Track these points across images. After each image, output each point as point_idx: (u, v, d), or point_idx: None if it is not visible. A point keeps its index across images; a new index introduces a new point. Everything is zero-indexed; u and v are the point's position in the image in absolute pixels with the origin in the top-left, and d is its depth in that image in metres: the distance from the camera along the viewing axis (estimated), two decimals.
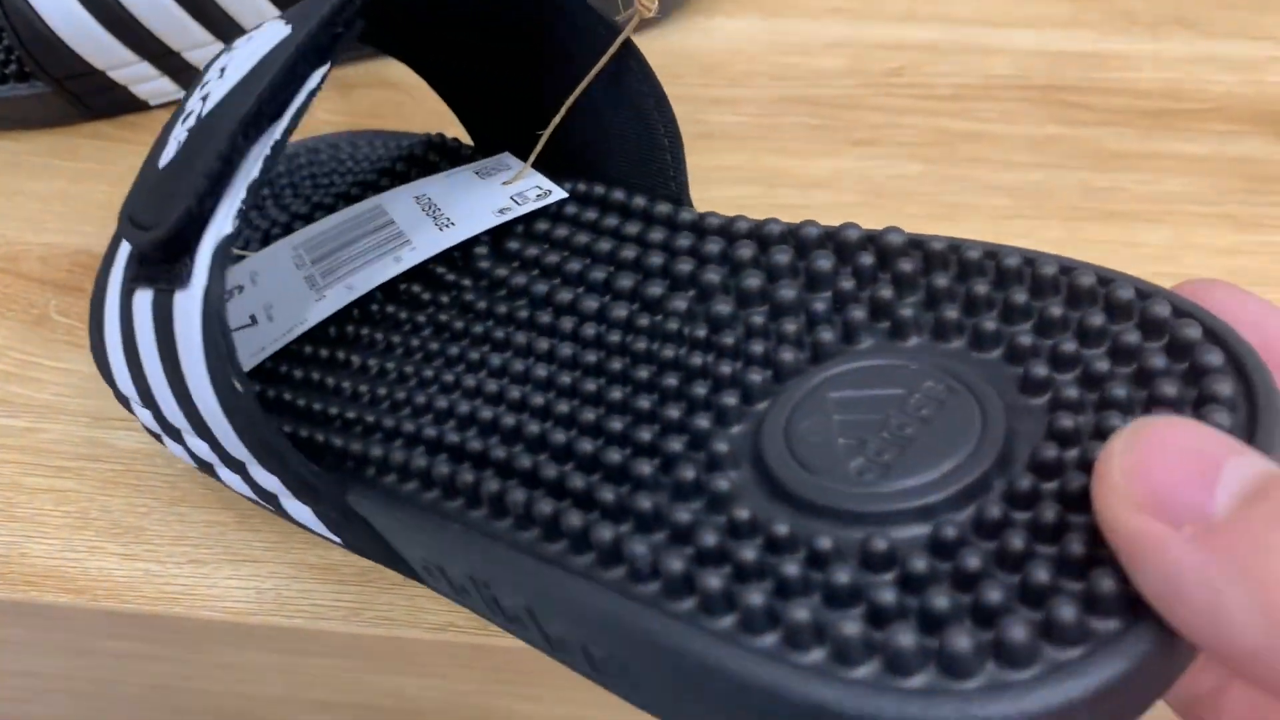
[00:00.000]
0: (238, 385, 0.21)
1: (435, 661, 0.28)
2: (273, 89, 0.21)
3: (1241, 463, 0.14)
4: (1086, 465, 0.17)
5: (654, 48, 0.25)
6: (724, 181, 0.36)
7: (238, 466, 0.24)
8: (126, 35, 0.36)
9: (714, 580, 0.17)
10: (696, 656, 0.16)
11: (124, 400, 0.26)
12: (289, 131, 0.21)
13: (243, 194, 0.20)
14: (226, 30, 0.37)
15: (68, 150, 0.39)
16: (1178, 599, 0.14)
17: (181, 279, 0.21)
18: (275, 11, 0.38)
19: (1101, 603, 0.15)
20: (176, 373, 0.22)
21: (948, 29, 0.42)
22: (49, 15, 0.35)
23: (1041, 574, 0.15)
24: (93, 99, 0.38)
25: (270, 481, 0.24)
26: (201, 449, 0.24)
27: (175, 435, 0.25)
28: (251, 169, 0.21)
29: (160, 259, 0.21)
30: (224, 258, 0.20)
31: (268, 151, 0.21)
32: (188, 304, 0.21)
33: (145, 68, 0.38)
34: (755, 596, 0.16)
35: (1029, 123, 0.38)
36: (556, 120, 0.27)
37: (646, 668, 0.18)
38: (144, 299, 0.22)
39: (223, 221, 0.21)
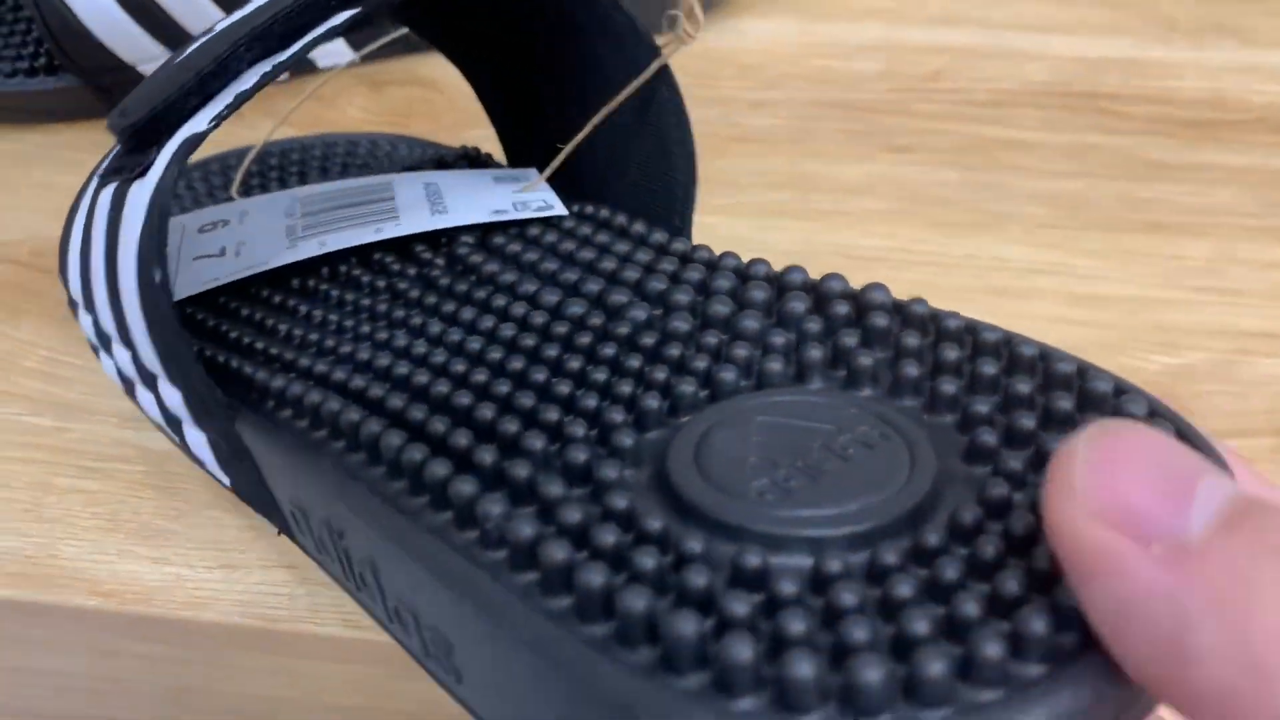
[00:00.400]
0: (156, 275, 0.21)
1: None
2: (290, 13, 0.21)
3: (1215, 483, 0.13)
4: (1008, 537, 0.15)
5: (689, 49, 0.25)
6: (757, 186, 0.36)
7: (150, 381, 0.24)
8: (157, 29, 0.36)
9: (559, 554, 0.16)
10: (525, 633, 0.16)
11: (73, 305, 0.26)
12: (296, 57, 0.21)
13: (228, 99, 0.21)
14: None
15: (97, 144, 0.38)
16: (1135, 624, 0.13)
17: (143, 168, 0.21)
18: None
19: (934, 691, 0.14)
20: (114, 267, 0.22)
21: (985, 33, 0.41)
22: (80, 8, 0.35)
23: (918, 625, 0.14)
24: (122, 92, 0.38)
25: (175, 400, 0.23)
26: (124, 360, 0.24)
27: (106, 345, 0.25)
28: (246, 80, 0.20)
29: (133, 148, 0.22)
30: (186, 152, 0.21)
31: (268, 69, 0.20)
32: (140, 193, 0.21)
33: None
34: (596, 579, 0.15)
35: (1069, 130, 0.37)
36: (580, 138, 0.27)
37: (472, 646, 0.17)
38: (108, 192, 0.23)
39: (199, 120, 0.21)
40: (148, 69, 0.37)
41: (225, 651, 0.29)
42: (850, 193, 0.36)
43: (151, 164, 0.21)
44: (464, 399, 0.20)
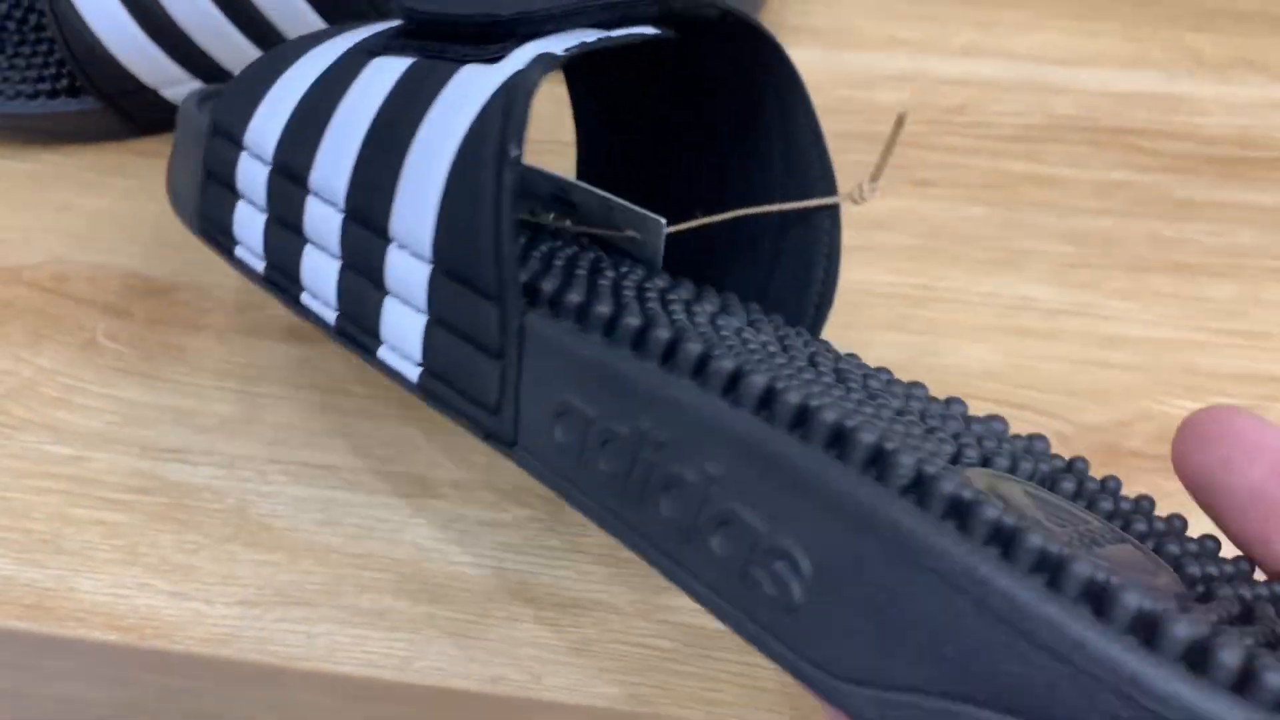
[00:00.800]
0: (514, 151, 0.21)
1: (485, 713, 0.28)
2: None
3: None
4: None
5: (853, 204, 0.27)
6: None
7: (373, 247, 0.23)
8: (179, 53, 0.36)
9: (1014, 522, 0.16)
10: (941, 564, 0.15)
11: (230, 156, 0.27)
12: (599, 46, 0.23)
13: (574, 42, 0.22)
14: None
15: (116, 166, 0.39)
16: None
17: (483, 56, 0.22)
18: None
19: None
20: (394, 136, 0.23)
21: (1010, 65, 0.41)
22: (102, 31, 0.35)
23: None
24: (142, 115, 0.38)
25: (408, 267, 0.23)
26: (321, 215, 0.24)
27: (287, 198, 0.25)
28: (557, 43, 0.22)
29: (467, 37, 0.23)
30: (545, 64, 0.21)
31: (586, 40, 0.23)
32: (489, 75, 0.22)
33: (198, 85, 0.37)
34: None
35: (1096, 167, 0.37)
36: (724, 217, 0.27)
37: (846, 574, 0.17)
38: (392, 63, 0.24)
39: (554, 44, 0.22)
40: (169, 92, 0.37)
41: (243, 689, 0.29)
42: (876, 227, 0.36)
43: (499, 55, 0.22)
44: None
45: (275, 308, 0.34)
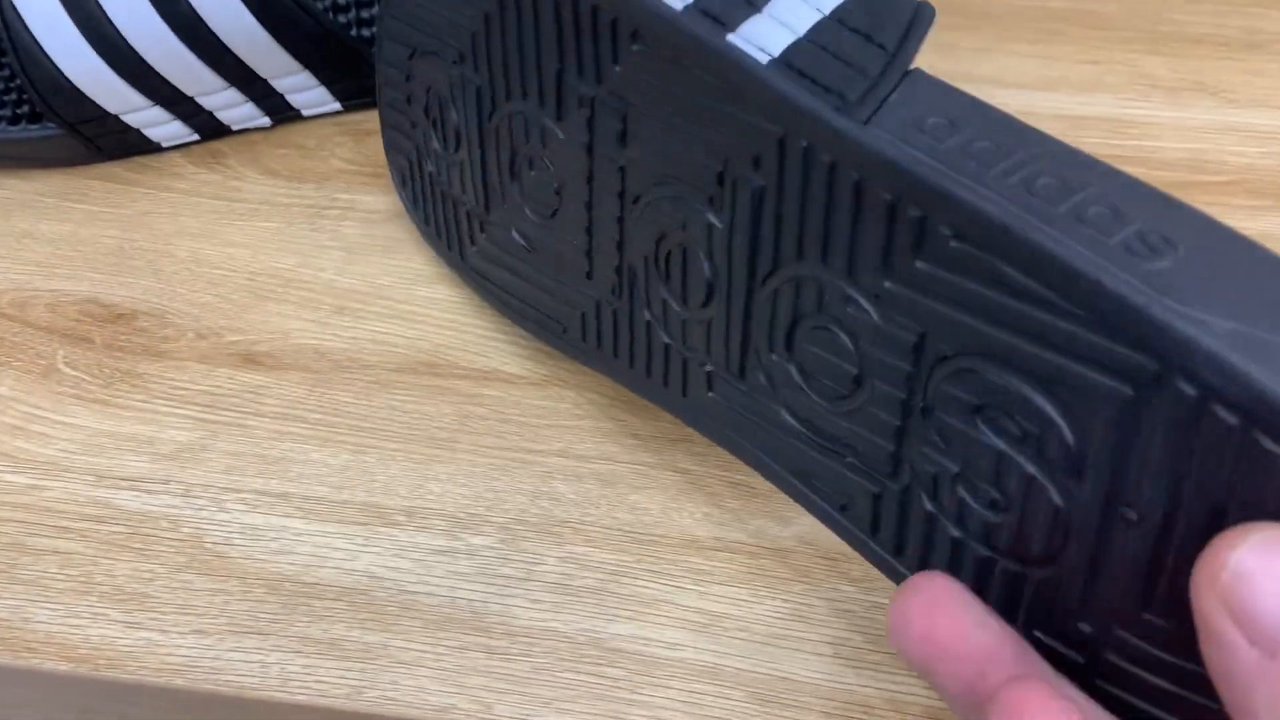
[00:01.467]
0: None
1: None
2: None
3: None
4: None
5: None
6: None
7: None
8: (141, 82, 0.36)
9: None
10: None
11: None
12: None
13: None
14: (240, 76, 0.37)
15: (79, 191, 0.39)
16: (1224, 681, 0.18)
17: None
18: (294, 63, 0.37)
19: None
20: None
21: (968, 88, 0.41)
22: (63, 62, 0.35)
23: None
24: (105, 141, 0.38)
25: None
26: None
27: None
28: None
29: None
30: None
31: None
32: None
33: (159, 112, 0.38)
34: None
35: None
36: None
37: None
38: None
39: None
40: (131, 118, 0.37)
41: (204, 717, 0.29)
42: None
43: None
44: None
45: (233, 334, 0.34)
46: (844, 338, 0.23)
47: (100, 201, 0.38)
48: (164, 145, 0.39)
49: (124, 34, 0.34)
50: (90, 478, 0.31)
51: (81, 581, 0.29)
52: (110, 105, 0.37)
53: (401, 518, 0.30)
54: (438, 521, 0.30)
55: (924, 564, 0.24)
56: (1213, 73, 0.41)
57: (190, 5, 0.34)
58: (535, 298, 0.31)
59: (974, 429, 0.21)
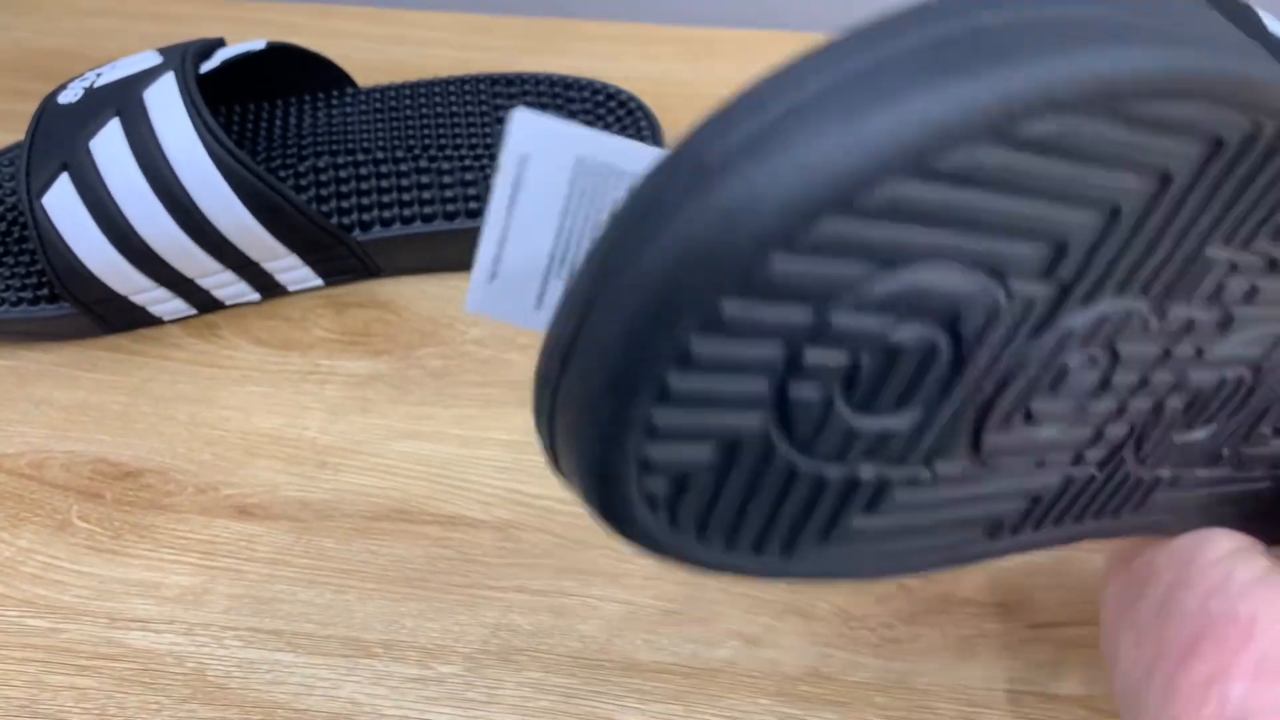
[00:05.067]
0: None
1: None
2: None
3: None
4: None
5: None
6: None
7: None
8: (149, 269, 0.41)
9: None
10: None
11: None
12: None
13: None
14: (236, 262, 0.43)
15: (89, 362, 0.44)
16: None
17: None
18: (282, 248, 0.43)
19: None
20: None
21: None
22: (83, 253, 0.40)
23: None
24: (113, 317, 0.43)
25: None
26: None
27: None
28: None
29: None
30: None
31: None
32: None
33: (162, 293, 0.43)
34: None
35: None
36: None
37: None
38: None
39: None
40: (138, 298, 0.43)
41: None
42: None
43: None
44: None
45: (229, 489, 0.39)
46: None
47: (108, 370, 0.43)
48: (165, 319, 0.45)
49: (138, 231, 0.40)
50: (103, 620, 0.36)
51: (96, 715, 0.33)
52: (120, 288, 0.42)
53: (379, 649, 0.35)
54: (410, 653, 0.35)
55: None
56: None
57: (197, 207, 0.40)
58: None
59: None
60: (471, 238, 0.44)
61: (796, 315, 0.17)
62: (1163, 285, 0.20)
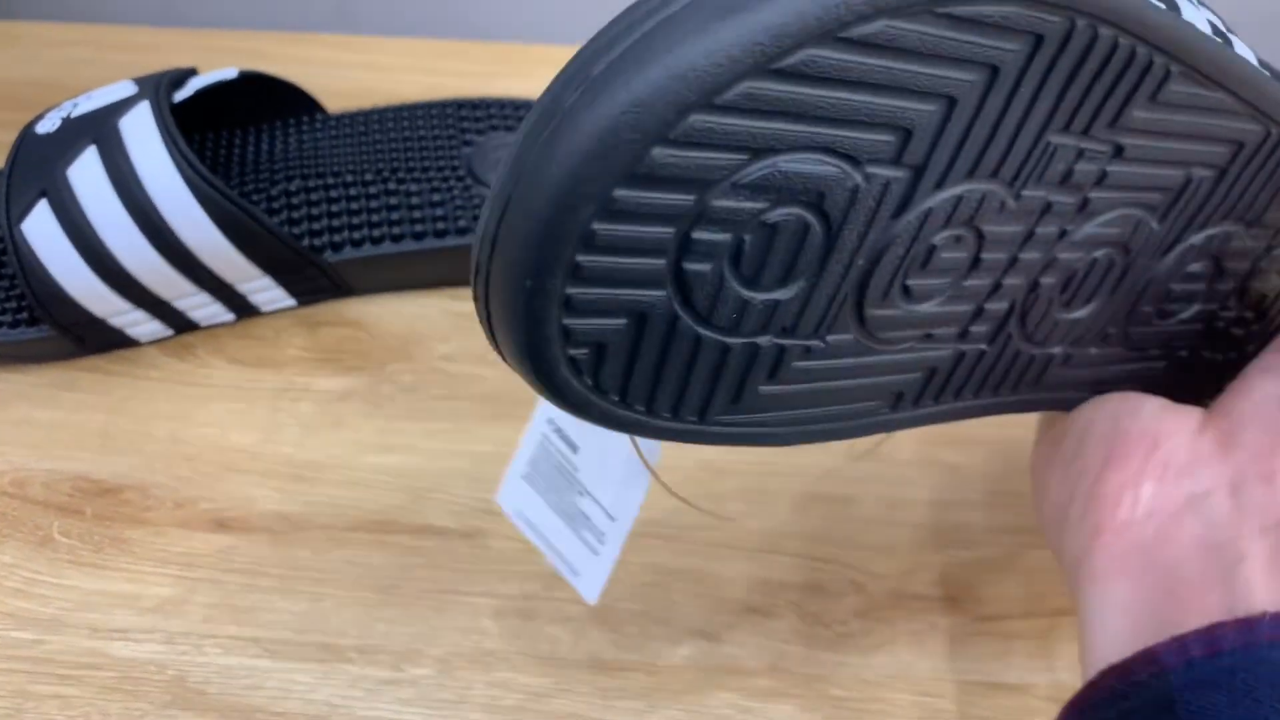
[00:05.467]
0: None
1: None
2: None
3: None
4: None
5: None
6: None
7: None
8: (127, 291, 0.43)
9: None
10: None
11: None
12: None
13: None
14: (212, 284, 0.44)
15: (68, 382, 0.45)
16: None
17: None
18: (256, 270, 0.44)
19: None
20: None
21: None
22: (62, 278, 0.42)
23: None
24: (92, 339, 0.45)
25: None
26: None
27: None
28: None
29: None
30: None
31: None
32: None
33: (140, 315, 0.44)
34: None
35: None
36: None
37: None
38: None
39: None
40: (116, 320, 0.44)
41: None
42: None
43: None
44: None
45: (206, 503, 0.40)
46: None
47: (87, 390, 0.45)
48: (142, 341, 0.46)
49: (116, 256, 0.41)
50: (85, 630, 0.37)
51: None
52: (99, 310, 0.43)
53: (354, 654, 0.36)
54: (384, 656, 0.36)
55: None
56: None
57: (173, 231, 0.41)
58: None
59: None
60: (439, 257, 0.46)
61: (681, 200, 0.20)
62: (1012, 169, 0.23)
